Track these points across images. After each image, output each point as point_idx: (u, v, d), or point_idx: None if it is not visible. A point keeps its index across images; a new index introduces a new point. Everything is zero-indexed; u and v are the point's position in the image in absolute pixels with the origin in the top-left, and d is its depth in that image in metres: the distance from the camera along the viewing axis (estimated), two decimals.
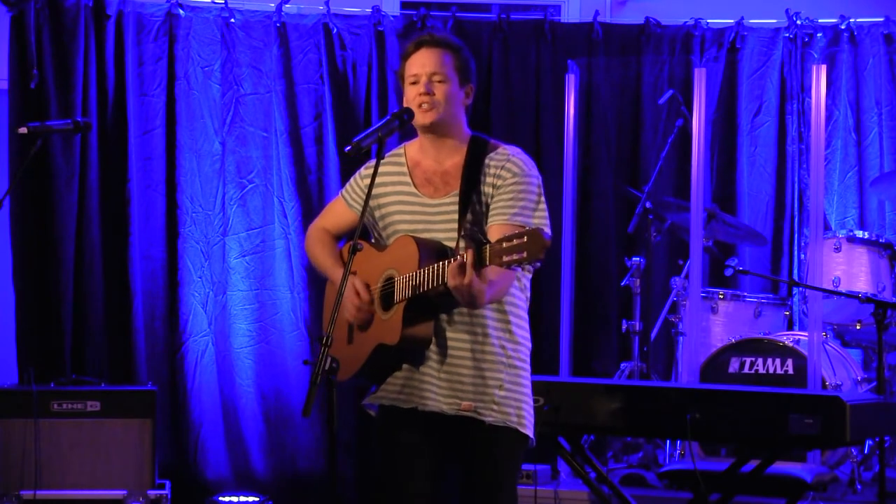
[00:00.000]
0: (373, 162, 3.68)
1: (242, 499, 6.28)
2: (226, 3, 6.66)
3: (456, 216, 3.53)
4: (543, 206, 3.58)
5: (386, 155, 3.58)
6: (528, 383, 3.62)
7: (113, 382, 6.12)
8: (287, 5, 6.70)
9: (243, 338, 6.64)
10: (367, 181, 3.69)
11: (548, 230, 3.55)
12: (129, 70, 6.53)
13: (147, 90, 6.61)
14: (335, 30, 6.75)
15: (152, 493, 5.63)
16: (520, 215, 3.51)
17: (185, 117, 6.61)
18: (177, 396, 6.54)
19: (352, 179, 3.80)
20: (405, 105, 3.60)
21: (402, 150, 3.70)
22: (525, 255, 3.14)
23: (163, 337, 6.57)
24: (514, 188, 3.52)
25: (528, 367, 3.63)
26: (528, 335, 3.65)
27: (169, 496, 5.67)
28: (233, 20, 6.68)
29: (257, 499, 6.29)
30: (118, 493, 5.60)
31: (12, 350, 6.36)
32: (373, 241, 3.77)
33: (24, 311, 6.37)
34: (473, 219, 3.53)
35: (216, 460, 6.54)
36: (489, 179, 3.54)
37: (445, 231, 3.55)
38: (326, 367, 3.23)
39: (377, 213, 3.70)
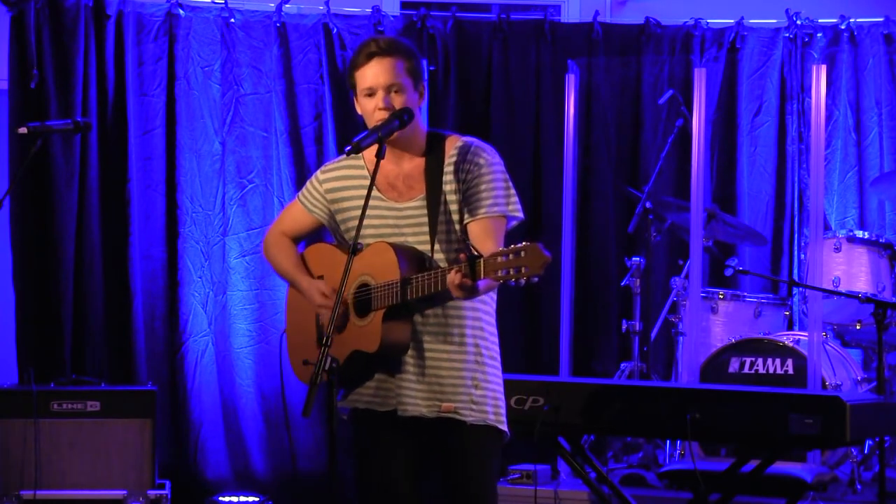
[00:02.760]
0: (329, 164, 3.72)
1: (242, 499, 6.28)
2: (226, 3, 6.66)
3: (425, 219, 3.52)
4: (513, 190, 3.58)
5: (341, 157, 3.59)
6: (501, 380, 3.64)
7: (113, 382, 6.12)
8: (287, 5, 6.70)
9: (243, 338, 6.64)
10: (327, 185, 3.69)
11: (521, 213, 3.59)
12: (129, 70, 6.53)
13: (147, 90, 6.61)
14: (335, 30, 6.75)
15: (152, 493, 5.62)
16: (495, 205, 3.52)
17: (185, 117, 6.61)
18: (177, 396, 6.54)
19: (308, 183, 3.77)
20: (364, 115, 3.57)
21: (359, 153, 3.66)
22: (524, 270, 3.13)
23: (163, 337, 6.57)
24: (483, 179, 3.53)
25: (498, 362, 3.64)
26: (496, 331, 3.66)
27: (169, 496, 5.67)
28: (233, 20, 6.68)
29: (257, 499, 6.29)
30: (118, 493, 5.60)
31: (12, 350, 6.36)
32: (335, 243, 3.74)
33: (24, 311, 6.37)
34: (444, 219, 3.53)
35: (216, 460, 6.54)
36: (453, 176, 3.54)
37: (415, 235, 3.54)
38: (326, 367, 3.22)
39: (339, 217, 3.68)
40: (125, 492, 5.61)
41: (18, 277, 6.37)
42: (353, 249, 3.36)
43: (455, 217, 3.54)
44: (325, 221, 3.73)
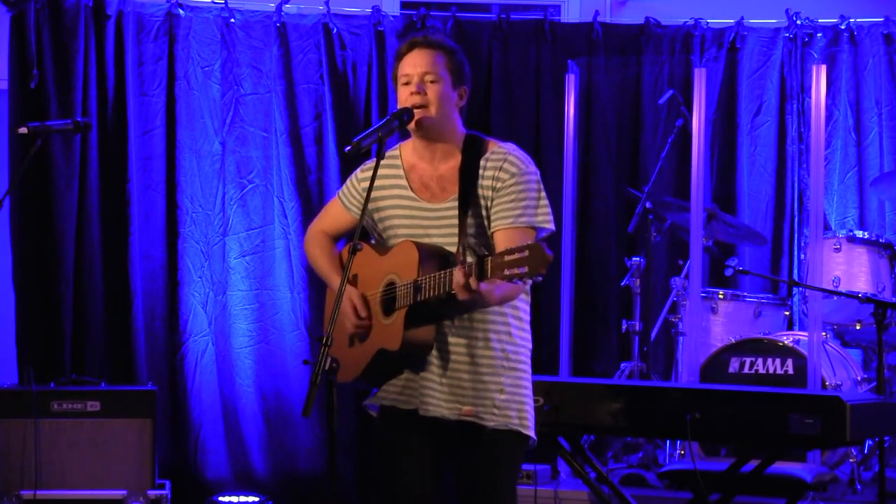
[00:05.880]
0: (369, 163, 3.67)
1: (242, 499, 6.28)
2: (226, 3, 6.66)
3: (456, 221, 3.51)
4: (545, 201, 3.55)
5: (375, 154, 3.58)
6: (529, 384, 3.62)
7: (113, 382, 6.11)
8: (287, 5, 6.70)
9: (243, 338, 6.64)
10: (364, 183, 3.68)
11: (551, 225, 3.56)
12: (129, 70, 6.53)
13: (147, 90, 6.61)
14: (335, 30, 6.75)
15: (152, 493, 5.62)
16: (523, 216, 3.50)
17: (185, 117, 6.61)
18: (177, 396, 6.54)
19: (348, 181, 3.78)
20: (399, 106, 3.58)
21: (397, 152, 3.67)
22: (526, 269, 3.13)
23: (163, 337, 6.57)
24: (514, 188, 3.50)
25: (528, 368, 3.63)
26: (528, 336, 3.64)
27: (169, 496, 5.67)
28: (233, 20, 6.68)
29: (257, 499, 6.29)
30: (118, 493, 5.60)
31: (12, 350, 6.36)
32: (374, 242, 3.76)
33: (24, 311, 6.37)
34: (475, 222, 3.52)
35: (216, 460, 6.54)
36: (487, 182, 3.52)
37: (445, 236, 3.53)
38: (326, 367, 3.22)
39: (376, 216, 3.69)
40: (125, 492, 5.61)
41: (18, 277, 6.37)
42: (353, 249, 3.37)
43: (487, 222, 3.53)
44: (364, 220, 3.72)
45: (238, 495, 6.31)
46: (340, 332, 3.64)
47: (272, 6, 6.71)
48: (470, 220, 3.51)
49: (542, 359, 6.44)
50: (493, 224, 3.51)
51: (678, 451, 5.87)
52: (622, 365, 6.32)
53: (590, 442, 6.06)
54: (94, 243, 6.45)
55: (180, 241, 6.58)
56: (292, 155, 6.69)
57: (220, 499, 6.27)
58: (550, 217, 3.56)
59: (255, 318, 6.66)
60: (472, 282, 3.24)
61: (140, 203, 6.55)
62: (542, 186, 3.56)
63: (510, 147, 3.60)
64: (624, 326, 6.31)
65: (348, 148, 3.42)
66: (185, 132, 6.61)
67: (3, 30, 6.45)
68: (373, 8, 6.80)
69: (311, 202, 6.62)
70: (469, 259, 3.33)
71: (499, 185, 3.51)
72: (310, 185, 6.68)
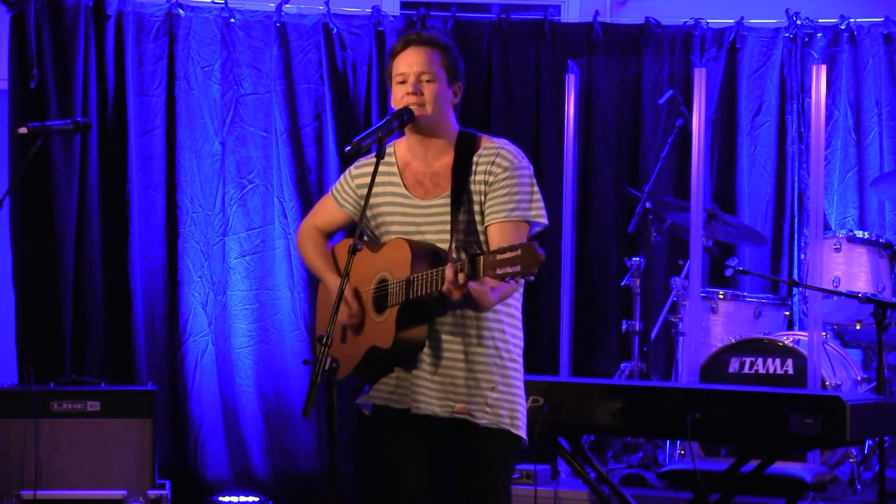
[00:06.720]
0: (363, 160, 3.67)
1: (242, 499, 6.28)
2: (226, 3, 6.66)
3: (448, 217, 3.51)
4: (538, 195, 3.56)
5: (375, 154, 3.58)
6: (521, 383, 3.62)
7: (113, 382, 6.11)
8: (287, 5, 6.70)
9: (243, 338, 6.64)
10: (359, 180, 3.69)
11: (545, 219, 3.56)
12: (129, 70, 6.53)
13: (147, 90, 6.61)
14: (335, 30, 6.75)
15: (152, 493, 5.62)
16: (517, 209, 3.50)
17: (185, 117, 6.61)
18: (177, 396, 6.54)
19: (342, 178, 3.78)
20: (393, 104, 3.58)
21: (391, 149, 3.66)
22: (518, 268, 3.14)
23: (163, 337, 6.57)
24: (507, 182, 3.50)
25: (520, 366, 3.62)
26: (520, 334, 3.64)
27: (169, 496, 5.67)
28: (233, 20, 6.68)
29: (257, 499, 6.29)
30: (118, 493, 5.60)
31: (12, 350, 6.36)
32: (366, 239, 3.76)
33: (24, 311, 6.37)
34: (466, 219, 3.52)
35: (216, 460, 6.54)
36: (480, 177, 3.52)
37: (437, 233, 3.53)
38: (326, 367, 3.22)
39: (369, 213, 3.68)
40: (125, 492, 5.60)
41: (18, 277, 6.37)
42: (353, 249, 3.36)
43: (478, 218, 3.53)
44: (356, 217, 3.73)
45: (238, 495, 6.31)
46: (334, 330, 3.64)
47: (272, 6, 6.71)
48: (462, 217, 3.51)
49: (542, 359, 6.46)
50: (486, 218, 3.51)
51: (678, 451, 5.87)
52: (622, 365, 6.32)
53: (590, 442, 6.06)
54: (94, 243, 6.45)
55: (180, 241, 6.58)
56: (292, 155, 6.69)
57: (220, 499, 6.27)
58: (544, 211, 3.56)
59: (255, 318, 6.66)
60: (462, 277, 3.24)
61: (140, 203, 6.55)
62: (534, 181, 3.57)
63: (502, 142, 3.60)
64: (624, 326, 6.31)
65: (348, 148, 3.42)
66: (185, 132, 6.61)
67: (3, 30, 6.45)
68: (373, 8, 6.80)
69: (311, 202, 6.61)
70: (461, 256, 3.32)
71: (491, 178, 3.51)
72: (310, 185, 6.68)
